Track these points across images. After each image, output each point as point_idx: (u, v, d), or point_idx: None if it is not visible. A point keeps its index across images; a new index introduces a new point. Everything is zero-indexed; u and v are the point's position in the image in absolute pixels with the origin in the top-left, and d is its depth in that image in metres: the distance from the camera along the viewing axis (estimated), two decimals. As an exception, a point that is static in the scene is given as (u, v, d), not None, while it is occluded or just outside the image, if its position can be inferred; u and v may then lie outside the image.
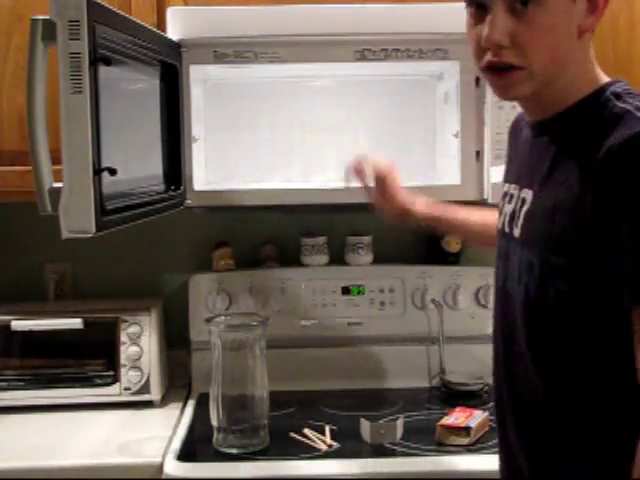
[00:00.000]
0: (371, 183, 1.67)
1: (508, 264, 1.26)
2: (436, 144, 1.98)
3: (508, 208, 1.29)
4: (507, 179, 1.35)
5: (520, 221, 1.22)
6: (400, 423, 1.73)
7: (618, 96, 1.13)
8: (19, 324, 1.96)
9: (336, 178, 1.93)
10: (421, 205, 1.67)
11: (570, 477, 1.17)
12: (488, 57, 1.14)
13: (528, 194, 1.22)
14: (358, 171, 1.68)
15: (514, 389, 1.25)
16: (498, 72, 1.15)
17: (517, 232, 1.23)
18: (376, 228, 2.22)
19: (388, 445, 1.71)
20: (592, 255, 1.08)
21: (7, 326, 1.95)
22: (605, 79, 1.18)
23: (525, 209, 1.22)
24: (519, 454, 1.24)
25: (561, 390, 1.16)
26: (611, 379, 1.11)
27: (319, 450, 1.69)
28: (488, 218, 1.54)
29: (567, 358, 1.14)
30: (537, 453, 1.21)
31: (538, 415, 1.20)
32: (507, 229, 1.28)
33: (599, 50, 1.90)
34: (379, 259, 2.20)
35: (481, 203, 1.87)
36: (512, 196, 1.28)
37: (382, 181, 1.66)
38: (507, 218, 1.28)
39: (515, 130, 1.38)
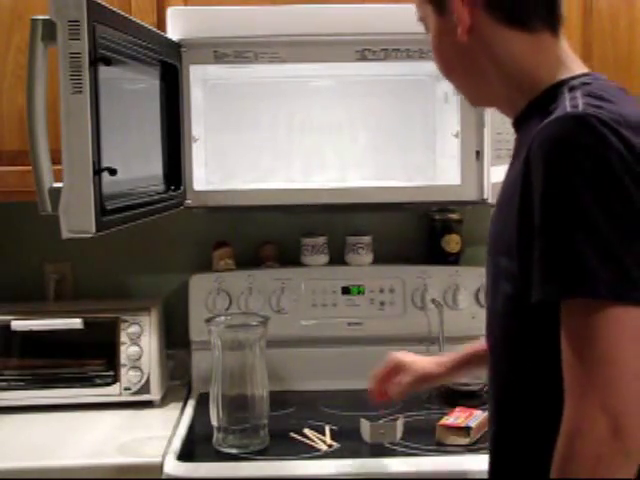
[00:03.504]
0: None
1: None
2: (436, 144, 1.98)
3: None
4: None
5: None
6: (400, 423, 1.73)
7: (572, 88, 1.10)
8: (19, 324, 1.96)
9: (336, 178, 1.94)
10: (441, 364, 1.57)
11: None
12: None
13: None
14: (382, 394, 1.60)
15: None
16: None
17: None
18: (376, 228, 2.23)
19: (388, 445, 1.71)
20: (523, 253, 1.04)
21: (7, 326, 1.95)
22: (573, 73, 1.14)
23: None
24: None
25: (512, 391, 1.14)
26: (554, 378, 1.05)
27: (319, 450, 1.69)
28: None
29: (517, 362, 1.13)
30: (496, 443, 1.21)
31: (499, 409, 1.19)
32: None
33: (599, 50, 1.90)
34: (379, 259, 2.20)
35: (481, 203, 1.87)
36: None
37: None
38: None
39: None
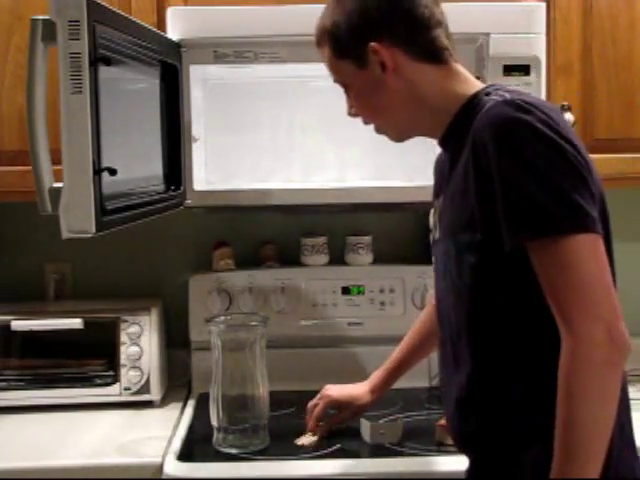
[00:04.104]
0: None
1: (438, 266, 1.39)
2: (435, 144, 1.97)
3: (432, 221, 1.46)
4: (433, 199, 1.49)
5: (438, 223, 1.40)
6: (400, 423, 1.73)
7: (487, 94, 1.29)
8: (19, 324, 1.96)
9: (336, 178, 1.94)
10: (378, 387, 1.75)
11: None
12: None
13: (441, 198, 1.39)
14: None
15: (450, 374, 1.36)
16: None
17: (437, 233, 1.40)
18: (376, 228, 2.23)
19: (388, 445, 1.71)
20: (487, 222, 1.22)
21: (7, 326, 1.95)
22: (479, 87, 1.34)
23: (440, 211, 1.40)
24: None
25: (489, 361, 1.28)
26: (533, 330, 1.24)
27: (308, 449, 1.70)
28: (425, 319, 1.73)
29: (493, 323, 1.27)
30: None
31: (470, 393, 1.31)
32: (435, 237, 1.43)
33: (599, 50, 1.90)
34: (379, 259, 2.20)
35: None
36: (435, 209, 1.45)
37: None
38: (433, 229, 1.45)
39: (439, 162, 1.52)
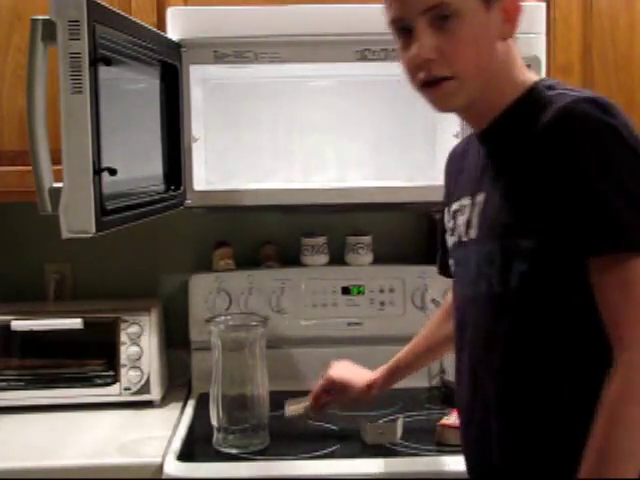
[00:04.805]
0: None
1: (466, 269, 1.29)
2: (436, 144, 1.98)
3: (461, 220, 1.32)
4: (455, 197, 1.37)
5: (475, 222, 1.27)
6: (400, 423, 1.73)
7: (550, 87, 1.21)
8: (19, 324, 1.96)
9: (336, 178, 1.94)
10: (377, 384, 1.69)
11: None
12: (420, 76, 1.20)
13: (481, 196, 1.26)
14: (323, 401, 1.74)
15: (487, 388, 1.26)
16: (430, 86, 1.21)
17: (473, 233, 1.28)
18: (376, 228, 2.23)
19: (388, 445, 1.71)
20: (551, 228, 1.14)
21: (7, 326, 1.95)
22: (535, 78, 1.25)
23: (479, 209, 1.27)
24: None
25: (530, 374, 1.20)
26: (577, 347, 1.17)
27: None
28: (433, 326, 1.67)
29: (535, 336, 1.19)
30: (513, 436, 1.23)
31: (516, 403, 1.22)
32: (463, 238, 1.31)
33: (599, 50, 1.90)
34: (379, 259, 2.20)
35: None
36: (464, 207, 1.32)
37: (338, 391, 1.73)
38: (462, 229, 1.32)
39: (454, 159, 1.44)
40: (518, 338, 1.20)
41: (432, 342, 1.67)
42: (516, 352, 1.21)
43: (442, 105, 1.24)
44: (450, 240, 1.38)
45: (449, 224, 1.38)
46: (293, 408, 1.76)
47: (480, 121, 1.27)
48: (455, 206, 1.36)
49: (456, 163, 1.41)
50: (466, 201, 1.31)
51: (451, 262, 1.39)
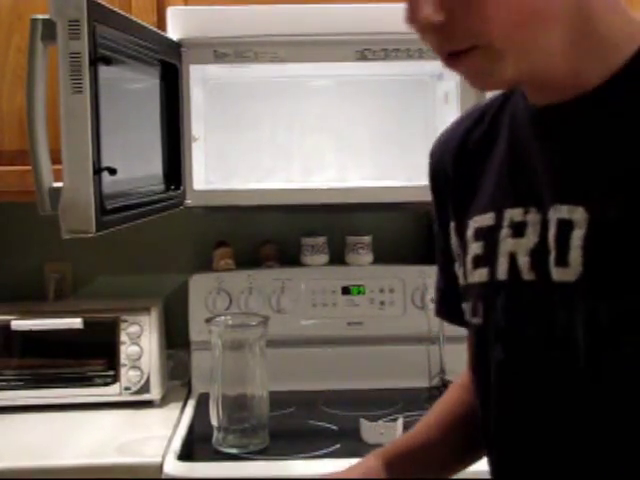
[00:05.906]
0: None
1: (536, 328, 0.87)
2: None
3: (517, 244, 0.89)
4: (480, 208, 0.97)
5: (573, 254, 0.82)
6: (400, 423, 1.73)
7: None
8: (19, 324, 1.96)
9: (336, 178, 1.94)
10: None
11: None
12: (434, 44, 0.84)
13: (577, 212, 0.82)
14: None
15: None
16: (457, 59, 0.82)
17: (568, 272, 0.82)
18: (376, 228, 2.23)
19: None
20: None
21: (7, 326, 1.95)
22: None
23: (581, 234, 0.81)
24: None
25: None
26: None
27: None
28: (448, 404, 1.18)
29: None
30: None
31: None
32: (528, 275, 0.88)
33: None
34: (379, 259, 2.20)
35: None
36: (523, 224, 0.88)
37: None
38: (527, 259, 0.88)
39: (455, 155, 1.04)
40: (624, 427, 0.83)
41: (448, 429, 1.17)
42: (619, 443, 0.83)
43: (480, 83, 0.84)
44: (475, 275, 0.96)
45: (470, 249, 0.97)
46: (375, 429, 1.70)
47: (558, 93, 0.84)
48: (482, 221, 0.94)
49: (462, 159, 1.02)
50: (521, 216, 0.88)
51: (467, 305, 0.99)
